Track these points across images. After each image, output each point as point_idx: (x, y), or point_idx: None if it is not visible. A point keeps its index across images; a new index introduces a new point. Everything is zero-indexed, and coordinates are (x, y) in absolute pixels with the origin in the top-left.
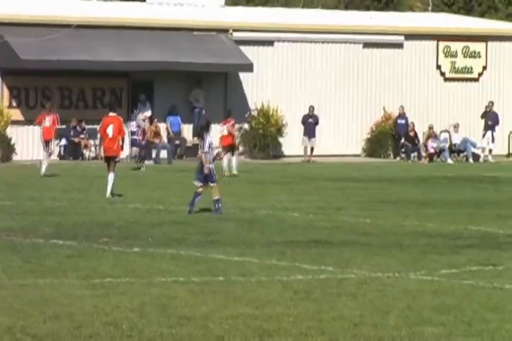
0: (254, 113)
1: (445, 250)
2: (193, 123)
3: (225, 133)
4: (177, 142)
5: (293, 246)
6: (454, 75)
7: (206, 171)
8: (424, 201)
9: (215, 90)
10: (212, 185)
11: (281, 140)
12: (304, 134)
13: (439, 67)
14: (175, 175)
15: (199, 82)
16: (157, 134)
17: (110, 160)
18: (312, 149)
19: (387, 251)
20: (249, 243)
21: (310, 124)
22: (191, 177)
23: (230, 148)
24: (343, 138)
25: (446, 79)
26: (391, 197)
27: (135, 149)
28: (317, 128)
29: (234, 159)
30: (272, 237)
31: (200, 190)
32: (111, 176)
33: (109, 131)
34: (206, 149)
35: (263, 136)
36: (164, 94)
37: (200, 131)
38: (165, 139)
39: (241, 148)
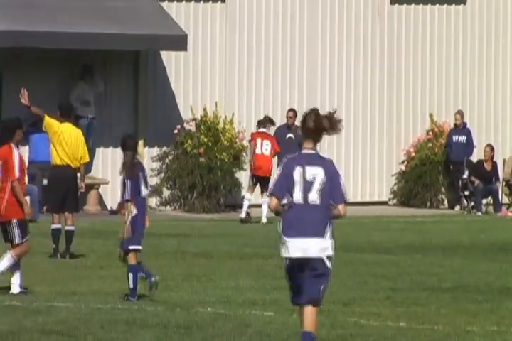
0: (190, 126)
1: None
2: None
3: (266, 152)
4: (45, 182)
5: None
6: None
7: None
8: (509, 289)
9: (116, 85)
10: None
11: (240, 176)
12: (280, 163)
13: None
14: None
15: (87, 70)
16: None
17: None
18: None
19: None
20: None
21: (289, 145)
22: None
23: (265, 182)
24: (354, 170)
25: None
26: (445, 281)
27: None
28: None
29: (264, 204)
30: None
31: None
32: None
33: None
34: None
35: (207, 170)
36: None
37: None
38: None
39: (166, 192)
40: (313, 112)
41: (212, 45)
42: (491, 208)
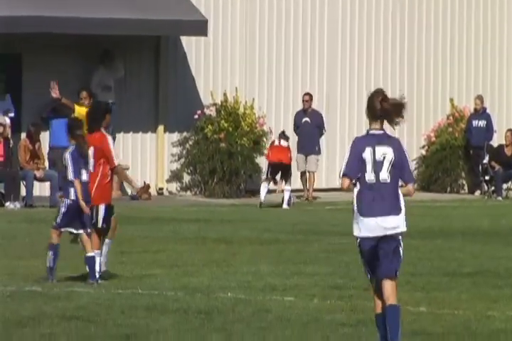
0: (210, 111)
1: None
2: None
3: (284, 144)
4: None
5: None
6: None
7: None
8: None
9: (136, 70)
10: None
11: (260, 161)
12: (299, 149)
13: None
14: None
15: (106, 55)
16: (35, 155)
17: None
18: (311, 175)
19: None
20: None
21: (306, 129)
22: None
23: (285, 169)
24: None
25: None
26: (466, 266)
27: None
28: (322, 136)
29: (286, 192)
30: None
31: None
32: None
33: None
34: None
35: (228, 155)
36: (41, 78)
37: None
38: (46, 163)
39: (187, 177)
40: (380, 92)
41: (232, 30)
42: (511, 193)
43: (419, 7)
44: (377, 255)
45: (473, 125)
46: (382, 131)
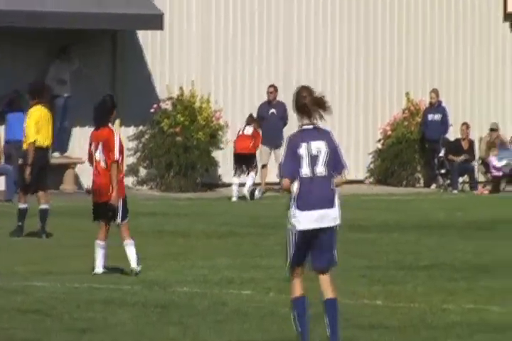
0: (166, 105)
1: None
2: (56, 124)
3: (247, 132)
4: (20, 161)
5: None
6: None
7: None
8: (486, 266)
9: (92, 64)
10: None
11: (217, 155)
12: (264, 141)
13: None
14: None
15: (63, 49)
16: None
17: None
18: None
19: None
20: None
21: (272, 120)
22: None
23: (247, 159)
24: None
25: None
26: (422, 259)
27: None
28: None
29: (249, 177)
30: (203, 338)
31: None
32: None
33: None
34: None
35: (184, 149)
36: None
37: None
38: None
39: (143, 171)
40: (304, 88)
41: (188, 24)
42: (466, 186)
43: (375, 1)
44: (311, 247)
45: (429, 118)
46: (313, 126)
